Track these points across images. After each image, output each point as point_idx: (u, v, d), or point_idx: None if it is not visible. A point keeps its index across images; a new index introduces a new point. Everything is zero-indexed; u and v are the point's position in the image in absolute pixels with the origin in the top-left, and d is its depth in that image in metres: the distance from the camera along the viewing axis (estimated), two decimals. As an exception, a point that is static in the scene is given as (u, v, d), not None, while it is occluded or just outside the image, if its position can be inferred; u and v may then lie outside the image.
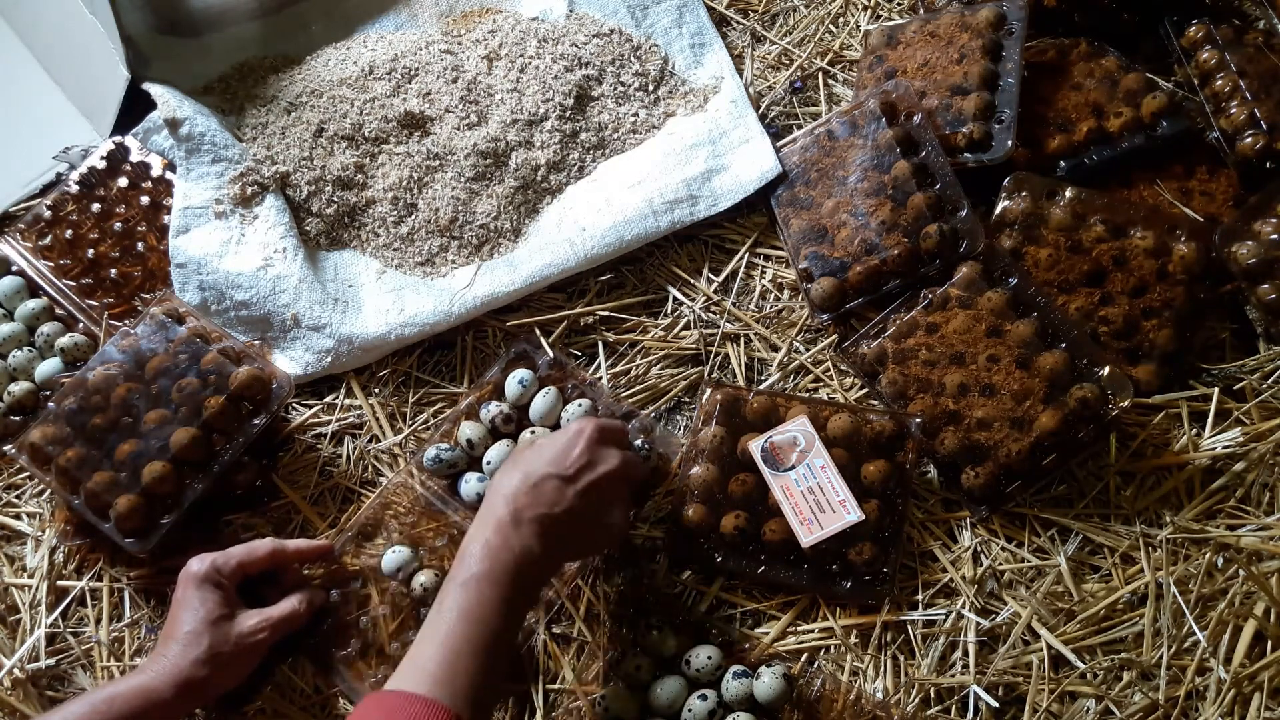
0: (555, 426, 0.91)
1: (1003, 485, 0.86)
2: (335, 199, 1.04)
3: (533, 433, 0.90)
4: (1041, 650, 0.81)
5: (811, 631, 0.84)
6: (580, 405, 0.90)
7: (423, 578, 0.84)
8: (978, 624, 0.82)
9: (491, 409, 0.92)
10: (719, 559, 0.85)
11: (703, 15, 1.17)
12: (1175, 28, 1.08)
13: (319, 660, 0.84)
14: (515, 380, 0.92)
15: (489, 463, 0.89)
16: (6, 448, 0.89)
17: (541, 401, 0.91)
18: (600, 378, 0.96)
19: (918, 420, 0.88)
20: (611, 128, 1.10)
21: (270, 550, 0.83)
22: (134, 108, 1.07)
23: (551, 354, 0.95)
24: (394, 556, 0.85)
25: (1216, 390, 0.90)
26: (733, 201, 1.03)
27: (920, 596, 0.84)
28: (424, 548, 0.88)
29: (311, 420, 0.96)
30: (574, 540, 0.77)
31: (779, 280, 1.02)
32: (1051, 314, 0.91)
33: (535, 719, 0.81)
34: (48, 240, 1.04)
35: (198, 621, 0.76)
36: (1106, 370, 0.87)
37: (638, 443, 0.89)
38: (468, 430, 0.91)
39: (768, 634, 0.84)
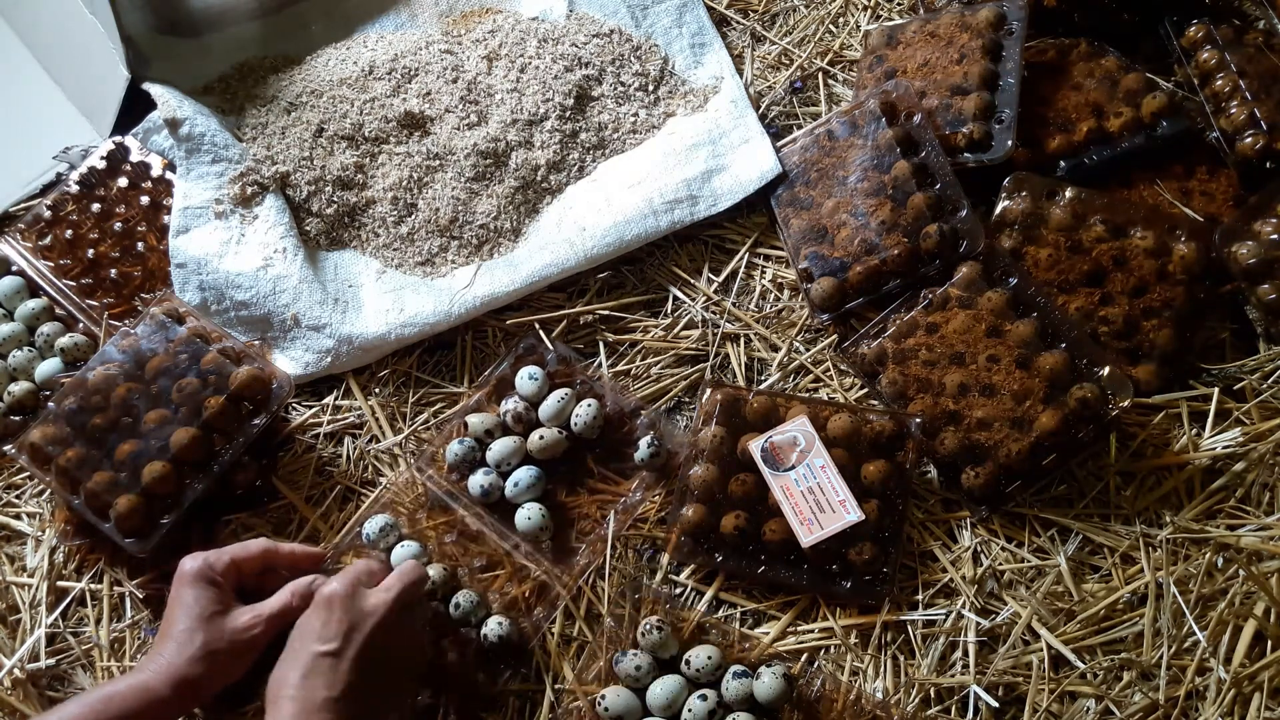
0: (565, 426, 0.91)
1: (1003, 485, 0.86)
2: (335, 199, 1.04)
3: (541, 437, 0.89)
4: (1041, 650, 0.81)
5: (811, 631, 0.84)
6: (590, 405, 0.90)
7: (431, 572, 0.84)
8: (978, 624, 0.82)
9: (509, 404, 0.91)
10: (719, 559, 0.85)
11: (703, 15, 1.17)
12: (1175, 28, 1.08)
13: None
14: (526, 375, 0.92)
15: (496, 462, 0.89)
16: (6, 448, 0.89)
17: (553, 403, 0.91)
18: (602, 375, 0.96)
19: (918, 420, 0.88)
20: (611, 128, 1.10)
21: (263, 548, 0.82)
22: (134, 108, 1.07)
23: (554, 349, 0.95)
24: (404, 551, 0.85)
25: (1216, 390, 0.90)
26: (733, 201, 1.03)
27: (920, 596, 0.84)
28: (433, 543, 0.87)
29: (311, 420, 0.96)
30: (376, 699, 0.75)
31: (779, 280, 1.02)
32: (1051, 314, 0.91)
33: (537, 718, 0.81)
34: (48, 240, 1.04)
35: (192, 619, 0.76)
36: (1106, 370, 0.87)
37: (646, 439, 0.89)
38: (487, 422, 0.91)
39: (768, 634, 0.84)
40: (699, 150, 1.06)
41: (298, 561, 0.85)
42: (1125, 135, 1.01)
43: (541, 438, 0.89)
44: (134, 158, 1.07)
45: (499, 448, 0.89)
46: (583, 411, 0.90)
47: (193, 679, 0.74)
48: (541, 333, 0.98)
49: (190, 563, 0.80)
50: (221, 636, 0.77)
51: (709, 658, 0.80)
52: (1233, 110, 1.00)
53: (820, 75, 1.13)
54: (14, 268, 1.02)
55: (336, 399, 0.98)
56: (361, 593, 0.76)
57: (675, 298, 1.01)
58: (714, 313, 1.00)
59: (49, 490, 0.92)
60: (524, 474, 0.88)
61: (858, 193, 0.99)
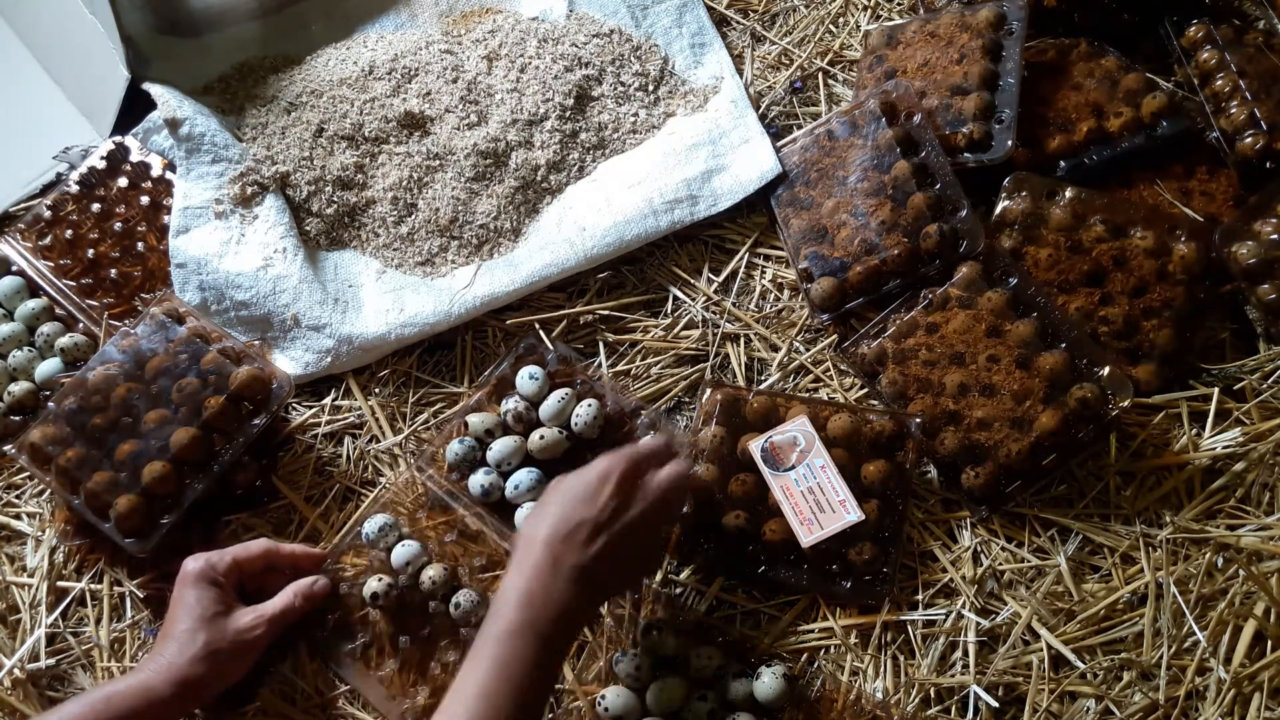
0: (566, 426, 0.91)
1: (1003, 485, 0.86)
2: (335, 199, 1.04)
3: (542, 437, 0.89)
4: (1041, 650, 0.81)
5: (811, 631, 0.84)
6: (590, 405, 0.90)
7: (431, 572, 0.84)
8: (978, 624, 0.82)
9: (510, 404, 0.91)
10: (719, 559, 0.85)
11: (703, 15, 1.17)
12: (1175, 28, 1.08)
13: (325, 654, 0.84)
14: (526, 375, 0.92)
15: (497, 462, 0.89)
16: (6, 448, 0.89)
17: (553, 403, 0.91)
18: (602, 375, 0.96)
19: (918, 420, 0.88)
20: (611, 128, 1.10)
21: (265, 549, 0.83)
22: (134, 108, 1.07)
23: (553, 348, 0.95)
24: (404, 550, 0.85)
25: (1216, 390, 0.90)
26: (733, 201, 1.03)
27: (920, 596, 0.84)
28: (433, 543, 0.87)
29: (311, 420, 0.96)
30: (611, 584, 0.75)
31: (779, 280, 1.02)
32: (1051, 314, 0.91)
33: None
34: (48, 240, 1.04)
35: (193, 619, 0.77)
36: (1106, 370, 0.87)
37: (646, 440, 0.88)
38: (488, 422, 0.91)
39: (768, 634, 0.84)
40: (699, 150, 1.06)
41: (299, 562, 0.86)
42: (1125, 135, 1.01)
43: (542, 438, 0.89)
44: (134, 158, 1.07)
45: (499, 447, 0.89)
46: (583, 411, 0.90)
47: (194, 679, 0.75)
48: (541, 333, 0.98)
49: (192, 563, 0.80)
50: (223, 637, 0.77)
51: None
52: (1233, 110, 1.00)
53: (820, 75, 1.13)
54: (14, 268, 1.02)
55: (336, 399, 0.98)
56: (640, 474, 0.75)
57: (675, 298, 1.01)
58: (714, 313, 1.00)
59: (49, 490, 0.92)
60: (524, 475, 0.88)
61: (858, 193, 0.99)
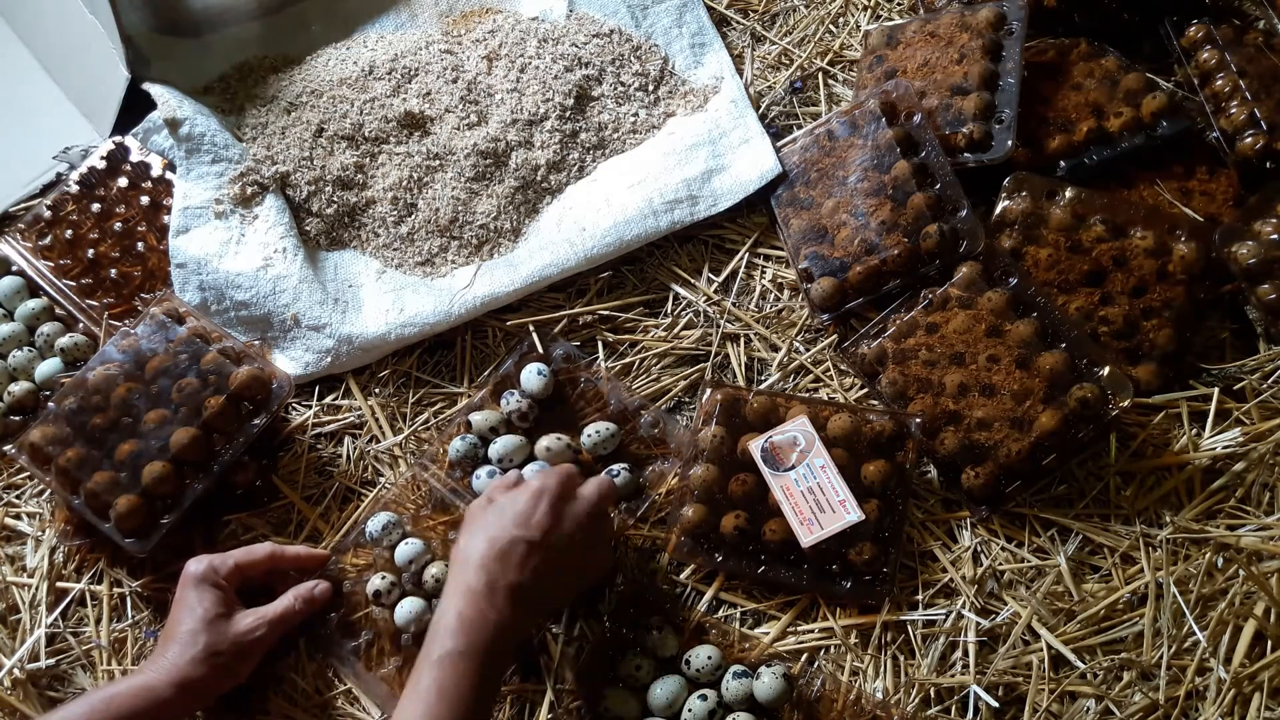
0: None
1: (1003, 485, 0.86)
2: (335, 199, 1.04)
3: (548, 449, 0.89)
4: (1041, 650, 0.81)
5: (811, 631, 0.84)
6: (608, 429, 0.90)
7: (434, 570, 0.84)
8: (978, 624, 0.82)
9: (512, 401, 0.91)
10: (719, 559, 0.85)
11: (703, 15, 1.17)
12: (1175, 28, 1.08)
13: (328, 651, 0.84)
14: (533, 371, 0.92)
15: (498, 458, 0.89)
16: (6, 448, 0.89)
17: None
18: (603, 374, 0.96)
19: (918, 420, 0.88)
20: (611, 128, 1.10)
21: (268, 553, 0.83)
22: (134, 108, 1.07)
23: (541, 349, 0.95)
24: (407, 549, 0.85)
25: (1216, 390, 0.90)
26: (733, 201, 1.03)
27: (920, 596, 0.84)
28: (435, 541, 0.87)
29: (311, 420, 0.96)
30: (550, 599, 0.77)
31: (779, 280, 1.02)
32: (1051, 314, 0.91)
33: (537, 718, 0.81)
34: (48, 240, 1.04)
35: (195, 621, 0.77)
36: (1106, 370, 0.87)
37: (616, 468, 0.89)
38: (491, 419, 0.91)
39: (768, 634, 0.84)
40: (699, 150, 1.06)
41: (303, 564, 0.86)
42: (1125, 135, 1.01)
43: (549, 449, 0.89)
44: (134, 158, 1.07)
45: (502, 445, 0.89)
46: (595, 433, 0.90)
47: (195, 680, 0.75)
48: (535, 336, 0.98)
49: (194, 565, 0.80)
50: (224, 639, 0.77)
51: (709, 658, 0.80)
52: (1233, 110, 1.00)
53: (820, 75, 1.13)
54: (14, 268, 1.02)
55: (336, 399, 0.98)
56: (570, 493, 0.78)
57: (675, 298, 1.01)
58: (714, 313, 1.00)
59: (49, 490, 0.92)
60: (527, 472, 0.88)
61: (858, 193, 0.99)
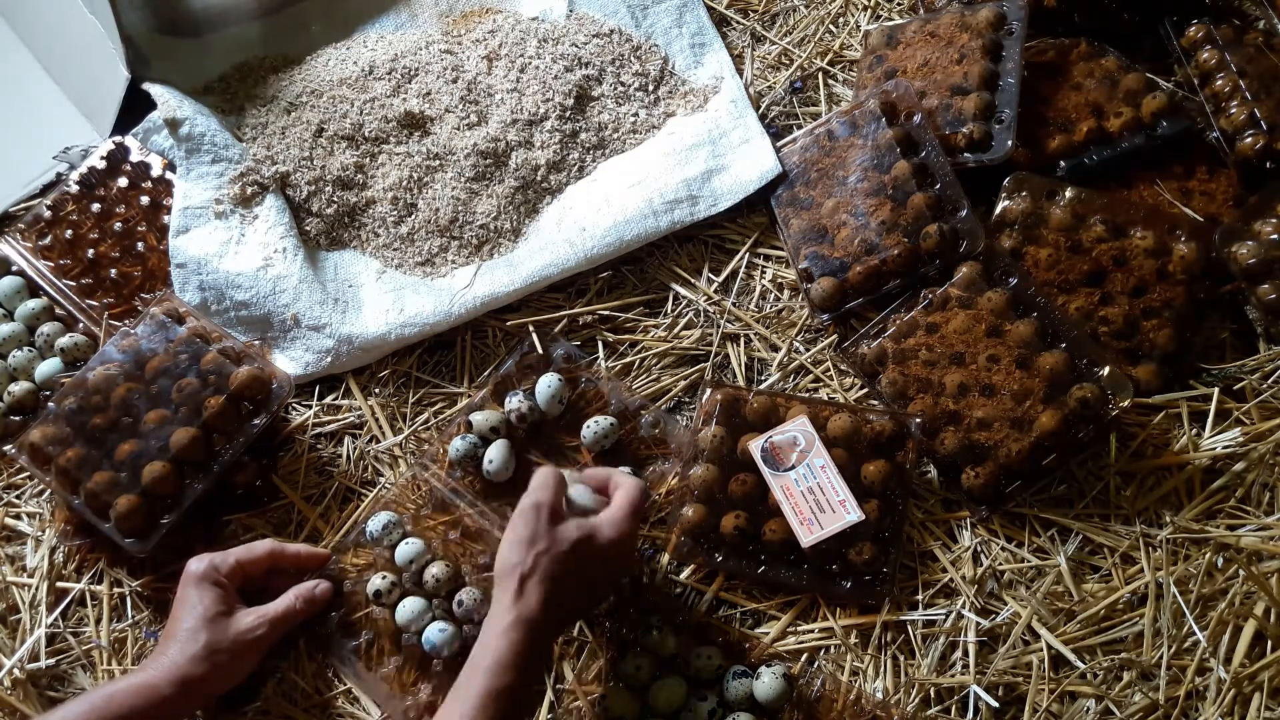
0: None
1: (1003, 485, 0.86)
2: (335, 199, 1.04)
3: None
4: (1041, 650, 0.81)
5: (811, 631, 0.84)
6: (608, 422, 0.90)
7: (435, 570, 0.84)
8: (978, 624, 0.82)
9: (513, 403, 0.91)
10: (719, 559, 0.85)
11: (703, 15, 1.17)
12: (1175, 28, 1.08)
13: (328, 651, 0.84)
14: (545, 384, 0.91)
15: (490, 460, 0.89)
16: (6, 448, 0.89)
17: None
18: (603, 374, 0.96)
19: (918, 420, 0.88)
20: (611, 128, 1.10)
21: (269, 551, 0.83)
22: (134, 108, 1.07)
23: (541, 349, 0.95)
24: (408, 548, 0.85)
25: (1216, 390, 0.90)
26: (733, 201, 1.03)
27: (920, 596, 0.84)
28: (435, 541, 0.87)
29: (311, 420, 0.96)
30: (570, 613, 0.79)
31: (779, 280, 1.02)
32: (1051, 314, 0.91)
33: (537, 718, 0.81)
34: (48, 240, 1.04)
35: (195, 619, 0.77)
36: (1106, 370, 0.87)
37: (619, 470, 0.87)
38: (491, 419, 0.90)
39: (768, 634, 0.84)
40: (699, 150, 1.06)
41: (303, 563, 0.86)
42: (1125, 135, 1.01)
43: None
44: (134, 158, 1.07)
45: (492, 451, 0.89)
46: (595, 426, 0.90)
47: (196, 679, 0.75)
48: (535, 336, 0.98)
49: (195, 564, 0.80)
50: (225, 637, 0.77)
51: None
52: (1233, 110, 1.00)
53: (820, 75, 1.13)
54: (14, 268, 1.02)
55: (336, 399, 0.98)
56: (559, 505, 0.76)
57: (675, 298, 1.01)
58: (714, 313, 1.00)
59: (49, 490, 0.92)
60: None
61: (858, 193, 0.99)
